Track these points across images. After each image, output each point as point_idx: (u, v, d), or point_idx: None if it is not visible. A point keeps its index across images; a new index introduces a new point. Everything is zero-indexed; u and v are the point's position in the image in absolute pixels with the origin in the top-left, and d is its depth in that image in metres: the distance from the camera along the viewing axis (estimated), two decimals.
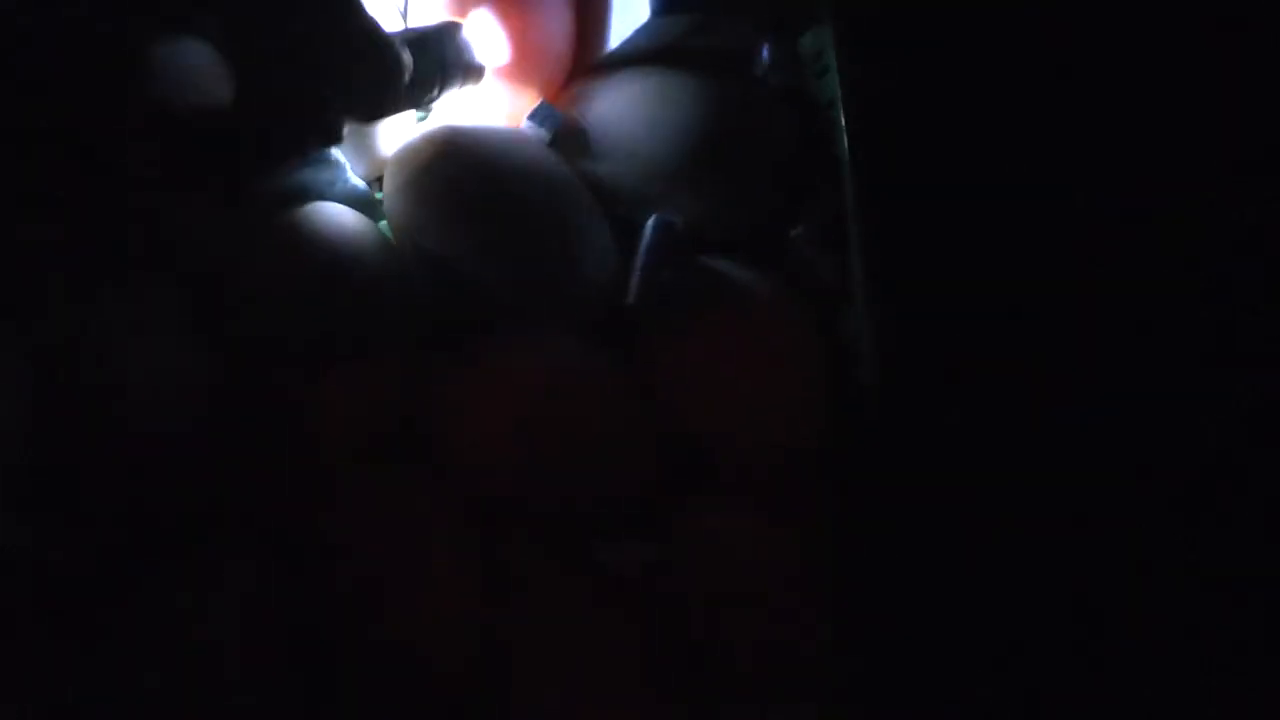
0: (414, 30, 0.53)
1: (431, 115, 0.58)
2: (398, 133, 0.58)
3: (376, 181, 0.58)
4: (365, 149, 0.58)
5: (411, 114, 0.57)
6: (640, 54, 0.58)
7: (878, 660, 0.55)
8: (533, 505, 0.54)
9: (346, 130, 0.51)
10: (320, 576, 0.51)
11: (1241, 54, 0.63)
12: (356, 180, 0.57)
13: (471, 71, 0.55)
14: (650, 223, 0.54)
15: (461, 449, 0.53)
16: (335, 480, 0.52)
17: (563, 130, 0.57)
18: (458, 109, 0.57)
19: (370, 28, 0.48)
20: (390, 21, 0.54)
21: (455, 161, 0.54)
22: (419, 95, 0.53)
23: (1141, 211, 0.62)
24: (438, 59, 0.53)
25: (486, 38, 0.56)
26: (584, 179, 0.57)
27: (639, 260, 0.54)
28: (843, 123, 0.55)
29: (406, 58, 0.51)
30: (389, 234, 0.56)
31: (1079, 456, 0.60)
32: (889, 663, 0.54)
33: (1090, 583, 0.59)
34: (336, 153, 0.56)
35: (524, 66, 0.58)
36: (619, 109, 0.57)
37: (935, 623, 0.55)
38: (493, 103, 0.58)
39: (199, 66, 0.45)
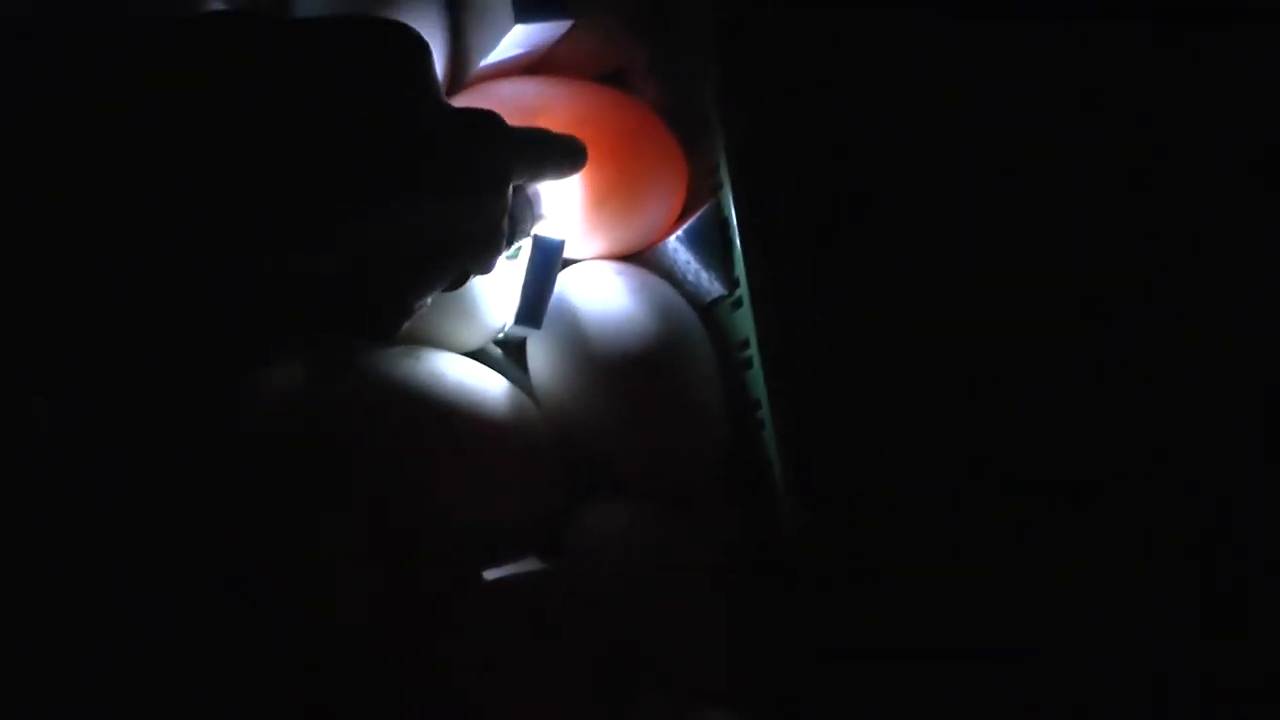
0: None
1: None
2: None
3: None
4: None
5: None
6: (516, 65, 0.57)
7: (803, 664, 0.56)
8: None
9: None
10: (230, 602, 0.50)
11: None
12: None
13: (539, 220, 0.53)
14: (531, 241, 0.53)
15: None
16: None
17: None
18: None
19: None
20: None
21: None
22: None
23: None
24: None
25: (565, 192, 0.54)
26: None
27: (522, 279, 0.54)
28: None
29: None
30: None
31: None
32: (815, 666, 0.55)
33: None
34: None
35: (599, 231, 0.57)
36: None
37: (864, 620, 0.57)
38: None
39: None
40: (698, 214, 0.56)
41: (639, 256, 0.59)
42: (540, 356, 0.57)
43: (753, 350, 0.55)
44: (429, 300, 0.46)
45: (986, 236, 0.63)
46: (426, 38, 0.53)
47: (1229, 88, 0.66)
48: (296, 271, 0.39)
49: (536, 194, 0.53)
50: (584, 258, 0.59)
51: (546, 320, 0.55)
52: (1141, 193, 0.65)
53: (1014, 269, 0.64)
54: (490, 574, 0.53)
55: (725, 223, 0.55)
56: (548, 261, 0.54)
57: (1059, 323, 0.64)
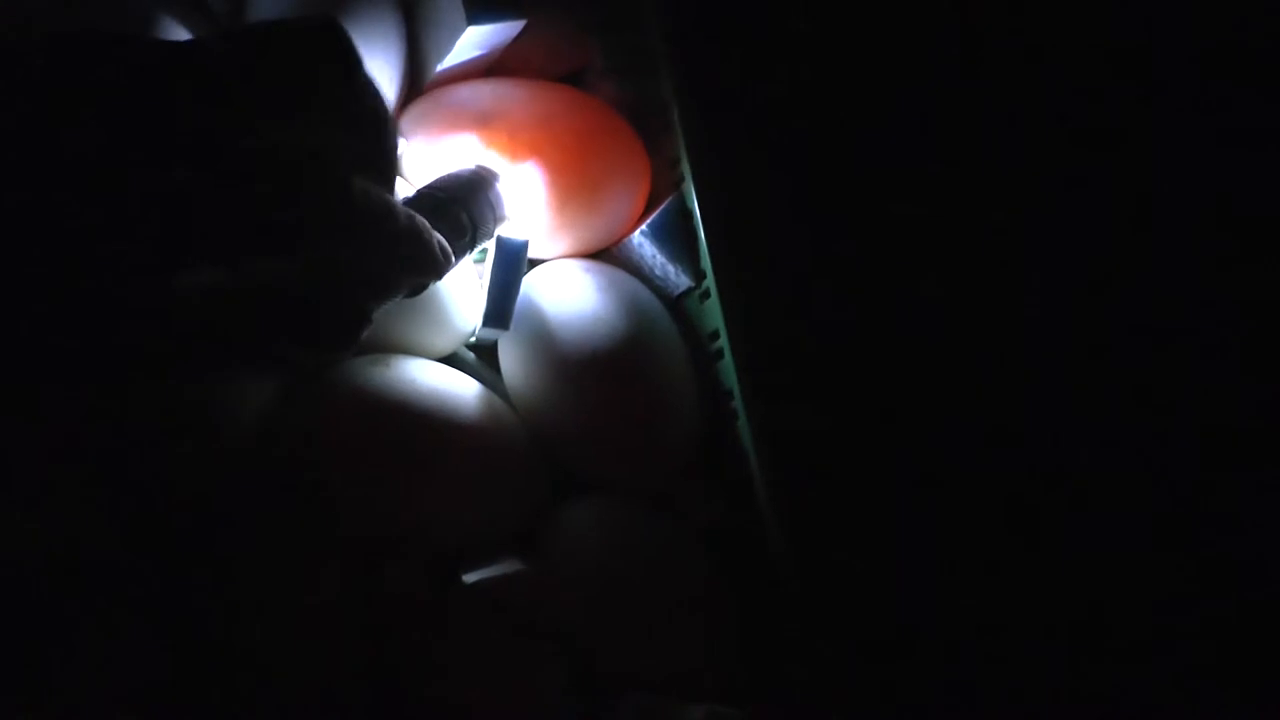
0: (441, 189, 0.50)
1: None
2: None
3: None
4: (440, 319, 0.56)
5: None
6: (474, 68, 0.58)
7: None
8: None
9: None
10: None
11: None
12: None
13: (502, 222, 0.53)
14: (495, 243, 0.53)
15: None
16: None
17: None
18: None
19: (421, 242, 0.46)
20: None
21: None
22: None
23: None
24: (468, 218, 0.50)
25: (527, 193, 0.55)
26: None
27: (488, 282, 0.54)
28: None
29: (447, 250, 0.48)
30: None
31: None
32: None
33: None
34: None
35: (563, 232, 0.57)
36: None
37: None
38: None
39: None
40: (661, 208, 0.56)
41: (605, 253, 0.59)
42: (511, 358, 0.57)
43: (723, 341, 0.54)
44: (382, 307, 0.46)
45: (957, 228, 0.63)
46: (383, 43, 0.54)
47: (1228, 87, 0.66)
48: (250, 278, 0.39)
49: (499, 196, 0.53)
50: (550, 257, 0.59)
51: (516, 321, 0.55)
52: (1141, 192, 0.65)
53: (1001, 266, 0.64)
54: (471, 576, 0.53)
55: (689, 215, 0.55)
56: (513, 262, 0.54)
57: (1058, 322, 0.64)
